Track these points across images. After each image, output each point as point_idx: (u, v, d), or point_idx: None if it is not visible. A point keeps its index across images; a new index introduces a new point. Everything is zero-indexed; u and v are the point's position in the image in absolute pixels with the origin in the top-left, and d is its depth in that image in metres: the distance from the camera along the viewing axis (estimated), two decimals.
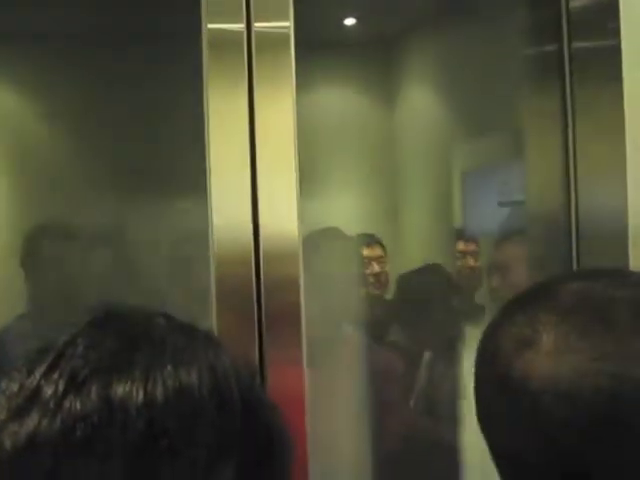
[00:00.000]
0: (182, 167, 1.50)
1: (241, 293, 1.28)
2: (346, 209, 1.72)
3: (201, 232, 1.30)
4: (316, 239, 1.55)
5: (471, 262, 1.87)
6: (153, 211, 1.54)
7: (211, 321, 1.26)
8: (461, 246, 1.89)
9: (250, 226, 1.29)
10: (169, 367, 0.61)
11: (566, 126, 1.56)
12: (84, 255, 1.61)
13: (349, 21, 1.76)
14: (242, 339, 1.27)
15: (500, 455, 0.73)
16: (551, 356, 0.67)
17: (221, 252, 1.28)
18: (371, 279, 1.78)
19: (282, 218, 1.30)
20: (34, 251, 1.57)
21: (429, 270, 1.76)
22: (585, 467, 0.66)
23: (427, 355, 1.76)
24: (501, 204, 1.83)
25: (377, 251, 1.79)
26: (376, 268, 1.78)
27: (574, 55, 1.55)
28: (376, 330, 1.75)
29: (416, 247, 1.82)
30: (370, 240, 1.78)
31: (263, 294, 1.28)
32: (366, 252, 1.78)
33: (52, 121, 1.60)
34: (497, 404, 0.72)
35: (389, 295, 1.80)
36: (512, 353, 0.70)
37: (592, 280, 0.73)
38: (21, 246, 1.55)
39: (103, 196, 1.55)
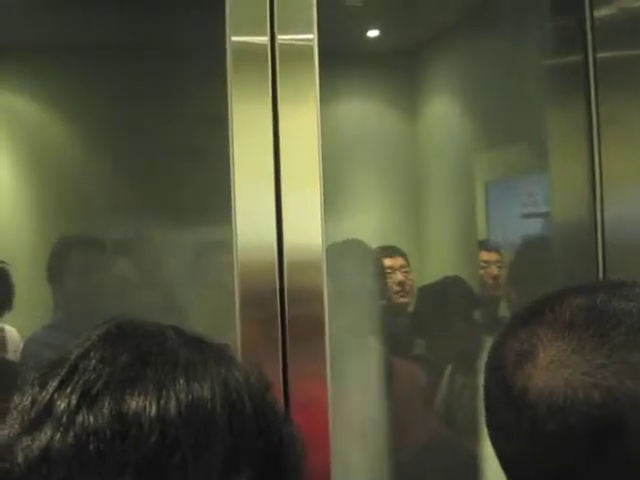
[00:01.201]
0: (207, 179, 1.50)
1: (265, 305, 1.28)
2: (369, 220, 1.71)
3: (226, 244, 1.31)
4: (338, 251, 1.55)
5: (494, 272, 1.86)
6: (178, 224, 1.55)
7: (235, 333, 1.27)
8: (484, 256, 1.88)
9: (274, 238, 1.29)
10: (181, 381, 0.62)
11: (591, 136, 1.55)
12: (110, 268, 1.61)
13: (372, 33, 1.76)
14: (266, 351, 1.27)
15: (506, 464, 0.76)
16: (547, 370, 0.70)
17: (245, 264, 1.28)
18: (395, 288, 1.78)
19: (306, 230, 1.30)
20: (61, 263, 1.58)
21: (449, 283, 1.75)
22: (574, 477, 0.69)
23: (449, 367, 1.75)
24: (525, 215, 1.82)
25: (399, 261, 1.78)
26: (400, 277, 1.77)
27: (599, 65, 1.54)
28: (398, 342, 1.74)
29: (440, 258, 1.81)
30: (392, 251, 1.77)
31: (287, 306, 1.28)
32: (389, 262, 1.78)
33: (76, 135, 1.62)
34: (502, 415, 0.75)
35: (411, 307, 1.79)
36: (513, 366, 0.73)
37: (591, 294, 0.75)
38: (48, 258, 1.56)
39: (128, 210, 1.56)
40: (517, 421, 0.72)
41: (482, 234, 1.87)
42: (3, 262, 1.52)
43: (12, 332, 1.60)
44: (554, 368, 0.70)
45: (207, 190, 1.50)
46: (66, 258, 1.59)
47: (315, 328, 1.29)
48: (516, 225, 1.85)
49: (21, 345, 1.59)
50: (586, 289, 0.77)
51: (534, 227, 1.83)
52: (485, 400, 0.78)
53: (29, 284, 1.57)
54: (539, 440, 0.70)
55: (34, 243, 1.59)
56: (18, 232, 1.58)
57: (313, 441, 1.31)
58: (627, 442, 0.67)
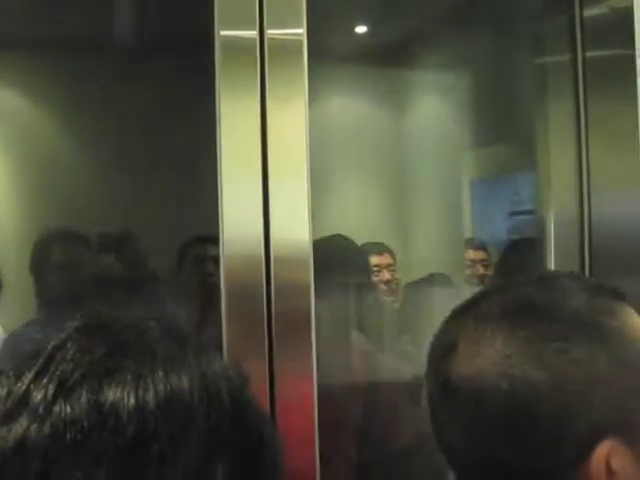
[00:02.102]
0: (193, 173, 1.50)
1: (251, 300, 1.27)
2: (356, 217, 1.71)
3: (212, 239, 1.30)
4: (323, 246, 1.55)
5: (481, 271, 1.86)
6: (163, 217, 1.54)
7: (221, 327, 1.26)
8: (471, 255, 1.88)
9: (261, 233, 1.29)
10: (160, 372, 0.61)
11: (579, 135, 1.55)
12: (94, 261, 1.60)
13: (360, 29, 1.75)
14: (252, 346, 1.27)
15: (442, 450, 0.81)
16: (464, 360, 0.76)
17: (232, 259, 1.28)
18: (382, 286, 1.78)
19: (293, 225, 1.30)
20: (44, 257, 1.57)
21: (435, 279, 1.76)
22: (496, 460, 0.74)
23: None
24: (512, 213, 1.82)
25: (387, 259, 1.78)
26: (387, 275, 1.77)
27: (588, 64, 1.54)
28: (384, 338, 1.74)
29: (426, 256, 1.81)
30: (380, 248, 1.77)
31: (273, 300, 1.28)
32: (376, 260, 1.77)
33: (61, 127, 1.61)
34: (434, 403, 0.81)
35: (397, 304, 1.79)
36: (440, 357, 0.79)
37: (517, 288, 0.80)
38: (31, 253, 1.55)
39: (112, 201, 1.55)
40: (444, 408, 0.78)
41: (468, 232, 1.87)
42: None
43: None
44: (469, 357, 0.75)
45: (194, 184, 1.50)
46: (49, 252, 1.58)
47: (301, 323, 1.28)
48: (502, 223, 1.85)
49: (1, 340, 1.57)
50: (515, 284, 0.82)
51: (520, 225, 1.83)
52: (425, 390, 0.83)
53: (16, 280, 1.56)
54: (462, 425, 0.76)
55: (21, 238, 1.58)
56: (5, 227, 1.57)
57: (299, 437, 1.31)
58: (532, 426, 0.72)
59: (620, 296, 0.80)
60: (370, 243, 1.75)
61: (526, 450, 0.72)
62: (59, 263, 1.58)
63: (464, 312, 0.81)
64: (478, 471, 0.76)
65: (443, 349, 0.79)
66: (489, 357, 0.74)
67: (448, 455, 0.80)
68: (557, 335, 0.73)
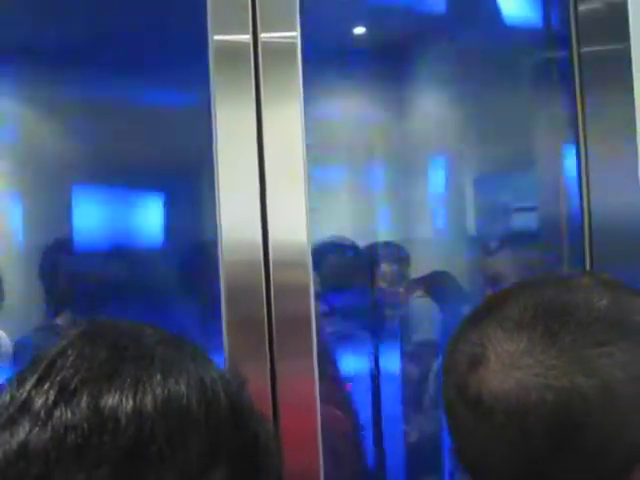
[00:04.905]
0: (190, 178, 1.50)
1: (251, 302, 1.28)
2: (356, 218, 1.71)
3: (210, 242, 1.31)
4: (323, 248, 1.55)
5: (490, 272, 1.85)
6: (163, 222, 1.55)
7: (221, 331, 1.27)
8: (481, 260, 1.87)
9: (260, 236, 1.29)
10: (158, 376, 0.63)
11: (576, 130, 1.55)
12: (101, 268, 1.62)
13: (358, 30, 1.76)
14: (253, 349, 1.27)
15: (468, 465, 0.76)
16: (498, 373, 0.70)
17: (231, 262, 1.28)
18: (387, 288, 1.77)
19: (291, 227, 1.30)
20: (53, 263, 1.58)
21: (437, 276, 1.75)
22: (537, 474, 0.69)
23: (437, 363, 1.75)
24: (514, 210, 1.82)
25: (396, 265, 1.77)
26: (393, 281, 1.76)
27: (583, 59, 1.54)
28: (387, 337, 1.74)
29: (429, 254, 1.81)
30: (391, 253, 1.76)
31: (273, 304, 1.28)
32: (388, 268, 1.76)
33: (65, 135, 1.62)
34: (460, 419, 0.75)
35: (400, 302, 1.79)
36: (466, 371, 0.73)
37: (539, 290, 0.75)
38: (40, 260, 1.56)
39: (115, 209, 1.56)
40: (475, 426, 0.72)
41: (471, 229, 1.87)
42: None
43: (2, 335, 1.60)
44: (505, 371, 0.70)
45: (191, 188, 1.50)
46: (58, 260, 1.59)
47: (302, 326, 1.29)
48: (505, 220, 1.85)
49: (11, 348, 1.58)
50: (534, 285, 0.77)
51: (523, 221, 1.83)
52: (444, 404, 0.78)
53: (18, 287, 1.57)
54: (499, 445, 0.70)
55: (23, 245, 1.59)
56: (7, 235, 1.58)
57: (302, 438, 1.31)
58: (583, 438, 0.67)
59: (637, 291, 0.76)
60: (387, 247, 1.73)
61: (574, 461, 0.68)
62: (69, 270, 1.59)
63: (484, 319, 0.75)
64: None
65: (468, 362, 0.73)
66: (530, 369, 0.69)
67: (474, 469, 0.75)
68: (598, 338, 0.69)
